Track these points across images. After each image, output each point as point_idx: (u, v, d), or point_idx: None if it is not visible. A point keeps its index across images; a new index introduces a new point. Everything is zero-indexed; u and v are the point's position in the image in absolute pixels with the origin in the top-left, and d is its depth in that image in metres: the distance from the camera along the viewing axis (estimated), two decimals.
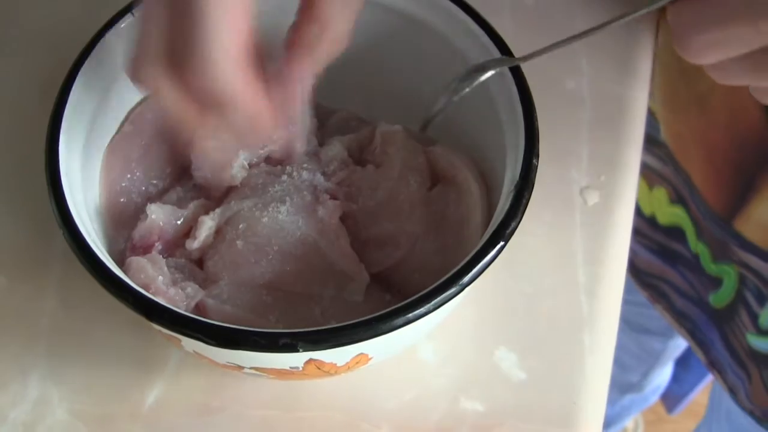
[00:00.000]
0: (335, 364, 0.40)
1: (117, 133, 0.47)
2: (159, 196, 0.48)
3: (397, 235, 0.46)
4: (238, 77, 0.36)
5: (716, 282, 0.64)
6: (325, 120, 0.52)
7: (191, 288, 0.43)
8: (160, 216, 0.45)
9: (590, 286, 0.50)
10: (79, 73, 0.44)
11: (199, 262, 0.46)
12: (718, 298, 0.65)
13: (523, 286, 0.50)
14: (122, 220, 0.46)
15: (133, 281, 0.39)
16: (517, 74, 0.43)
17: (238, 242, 0.44)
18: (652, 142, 0.66)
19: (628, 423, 1.33)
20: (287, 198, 0.45)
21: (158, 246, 0.45)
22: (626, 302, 0.52)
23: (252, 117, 0.38)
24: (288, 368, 0.40)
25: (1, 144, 0.54)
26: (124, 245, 0.46)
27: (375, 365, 0.43)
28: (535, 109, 0.42)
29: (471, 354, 0.48)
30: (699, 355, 0.71)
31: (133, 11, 0.45)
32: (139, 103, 0.48)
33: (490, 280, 0.49)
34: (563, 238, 0.52)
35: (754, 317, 0.61)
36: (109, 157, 0.47)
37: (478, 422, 0.46)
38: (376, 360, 0.42)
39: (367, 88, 0.51)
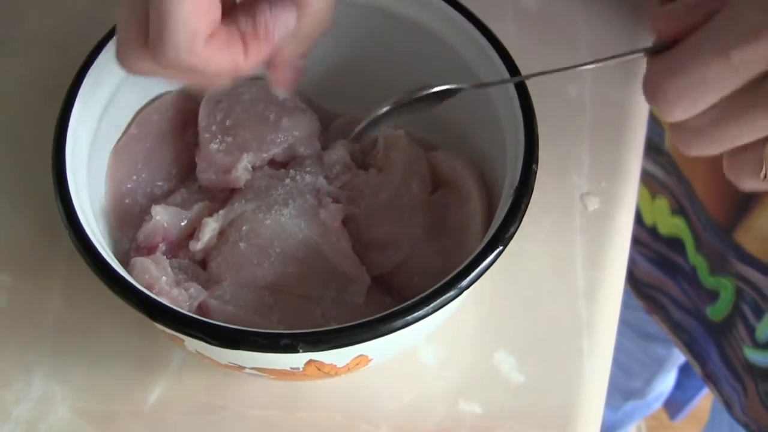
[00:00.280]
0: (335, 365, 0.40)
1: (123, 135, 0.48)
2: (164, 198, 0.48)
3: (398, 239, 0.46)
4: (198, 47, 0.36)
5: (713, 295, 0.64)
6: (329, 124, 0.52)
7: (194, 288, 0.43)
8: (164, 217, 0.45)
9: (589, 291, 0.50)
10: (87, 75, 0.44)
11: (203, 263, 0.46)
12: (715, 311, 0.65)
13: (522, 290, 0.50)
14: (127, 221, 0.47)
15: (137, 281, 0.40)
16: (519, 81, 0.43)
17: (241, 244, 0.44)
18: (656, 150, 0.66)
19: (631, 429, 1.32)
20: (290, 201, 0.46)
21: (162, 247, 0.45)
22: (631, 308, 0.52)
23: (225, 70, 0.37)
24: (288, 369, 0.40)
25: (8, 144, 0.54)
26: (129, 246, 0.46)
27: (375, 367, 0.43)
28: (534, 115, 0.42)
29: (470, 357, 0.48)
30: (695, 367, 0.70)
31: None
32: (146, 106, 0.49)
33: (491, 284, 0.49)
34: (563, 243, 0.52)
35: (750, 330, 0.61)
36: (115, 159, 0.47)
37: (477, 424, 0.46)
38: (375, 361, 0.42)
39: (370, 93, 0.52)
